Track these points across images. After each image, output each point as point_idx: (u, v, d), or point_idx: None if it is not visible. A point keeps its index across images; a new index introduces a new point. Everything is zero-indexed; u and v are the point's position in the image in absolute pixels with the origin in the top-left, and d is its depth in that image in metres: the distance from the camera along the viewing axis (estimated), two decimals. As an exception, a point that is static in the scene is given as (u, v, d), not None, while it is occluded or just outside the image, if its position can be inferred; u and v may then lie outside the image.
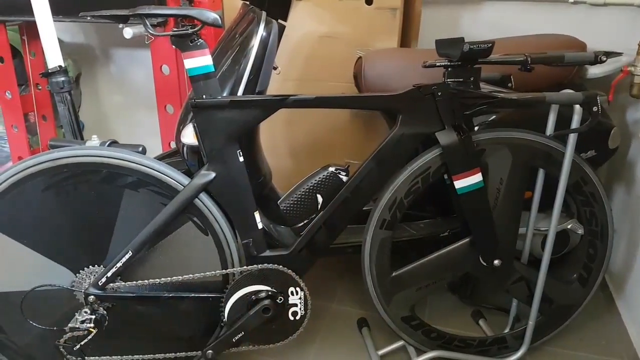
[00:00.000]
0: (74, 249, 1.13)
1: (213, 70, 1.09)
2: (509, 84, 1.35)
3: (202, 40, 1.06)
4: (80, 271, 1.14)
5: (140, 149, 1.16)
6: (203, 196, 1.13)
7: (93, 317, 1.09)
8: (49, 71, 1.35)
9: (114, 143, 1.18)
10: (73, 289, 1.12)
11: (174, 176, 1.12)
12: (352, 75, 1.58)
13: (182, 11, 1.03)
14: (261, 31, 1.22)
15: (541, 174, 1.25)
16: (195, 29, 1.04)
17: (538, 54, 1.13)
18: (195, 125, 1.11)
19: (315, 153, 1.75)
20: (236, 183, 1.14)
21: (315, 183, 1.16)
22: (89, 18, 1.49)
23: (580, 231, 1.45)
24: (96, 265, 1.14)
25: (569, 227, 1.44)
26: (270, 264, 1.17)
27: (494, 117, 1.36)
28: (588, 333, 1.44)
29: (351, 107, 1.13)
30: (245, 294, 1.17)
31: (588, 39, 1.52)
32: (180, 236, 1.15)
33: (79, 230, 1.12)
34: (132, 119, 2.12)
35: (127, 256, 1.10)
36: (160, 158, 1.35)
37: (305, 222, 1.18)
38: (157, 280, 1.13)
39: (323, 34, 1.62)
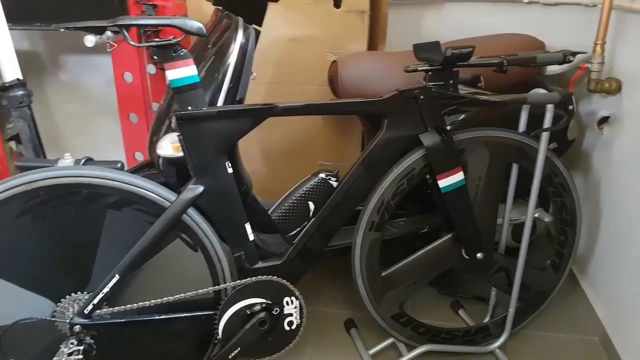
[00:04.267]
0: (53, 276, 1.06)
1: (198, 80, 1.05)
2: (479, 84, 1.40)
3: (185, 50, 1.02)
4: (62, 300, 1.07)
5: (119, 165, 1.10)
6: (191, 211, 1.10)
7: (81, 347, 1.03)
8: (6, 85, 1.25)
9: (89, 161, 1.11)
10: (55, 319, 1.05)
11: (159, 192, 1.07)
12: (327, 78, 1.58)
13: (164, 21, 0.98)
14: (240, 38, 1.19)
15: (515, 168, 1.31)
16: (179, 38, 1.00)
17: (512, 55, 1.18)
18: (181, 138, 1.07)
19: (289, 156, 1.74)
20: (226, 196, 1.11)
21: (306, 190, 1.16)
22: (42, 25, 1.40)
23: (547, 219, 1.54)
24: (79, 292, 1.08)
25: (536, 215, 1.52)
26: (264, 276, 1.15)
27: (463, 116, 1.40)
28: (559, 314, 1.53)
29: (339, 113, 1.14)
30: (240, 308, 1.15)
31: (545, 37, 1.60)
32: (169, 254, 1.11)
33: (59, 257, 1.05)
34: (88, 129, 2.00)
35: (114, 280, 1.04)
36: (132, 172, 1.29)
37: (297, 230, 1.17)
38: (147, 302, 1.09)
39: (293, 37, 1.61)
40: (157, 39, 0.99)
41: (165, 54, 1.01)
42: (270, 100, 1.18)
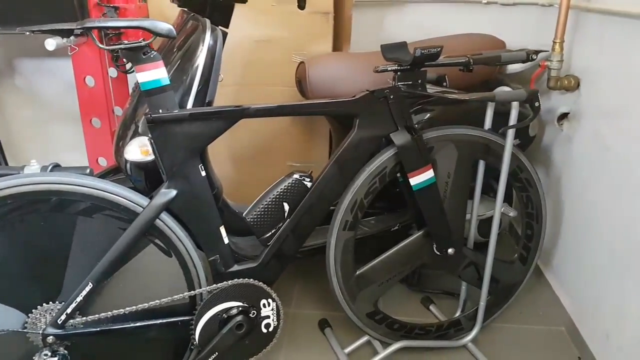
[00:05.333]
0: (23, 287, 1.02)
1: (168, 83, 1.03)
2: (444, 83, 1.44)
3: (155, 52, 1.01)
4: (33, 310, 1.03)
5: (88, 171, 1.07)
6: (164, 216, 1.08)
7: (55, 358, 0.99)
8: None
9: (56, 167, 1.07)
10: (27, 331, 1.01)
11: (131, 197, 1.05)
12: (294, 79, 1.59)
13: (134, 22, 0.96)
14: (208, 39, 1.18)
15: (482, 165, 1.35)
16: (148, 40, 0.98)
17: (478, 55, 1.22)
18: (152, 141, 1.05)
19: (257, 158, 1.73)
20: (199, 199, 1.10)
21: (280, 191, 1.16)
22: None
23: (512, 214, 1.59)
24: (51, 302, 1.04)
25: (502, 210, 1.57)
26: (240, 279, 1.14)
27: (429, 115, 1.44)
28: (525, 306, 1.59)
29: (312, 113, 1.14)
30: (216, 312, 1.13)
31: (504, 37, 1.66)
32: (142, 261, 1.09)
33: (28, 266, 1.01)
34: (47, 135, 1.93)
35: (87, 288, 1.01)
36: (99, 177, 1.26)
37: (273, 231, 1.17)
38: (121, 310, 1.06)
39: (258, 39, 1.60)
40: (125, 42, 0.97)
41: (135, 56, 1.00)
42: (237, 102, 1.18)
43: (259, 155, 1.74)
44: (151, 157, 1.23)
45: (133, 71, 1.64)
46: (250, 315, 1.16)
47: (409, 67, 1.17)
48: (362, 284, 1.31)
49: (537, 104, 1.09)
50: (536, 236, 1.42)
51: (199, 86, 1.17)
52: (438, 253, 1.34)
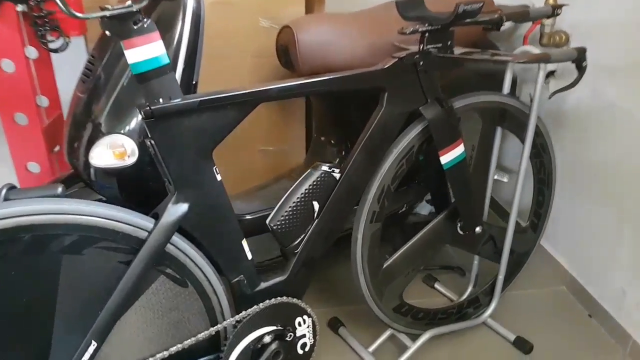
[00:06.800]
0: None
1: (168, 62, 0.77)
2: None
3: (149, 20, 0.73)
4: (11, 393, 0.74)
5: (59, 189, 0.78)
6: (175, 237, 0.83)
7: None
8: None
9: (12, 189, 0.77)
10: None
11: (131, 220, 0.79)
12: (265, 47, 1.35)
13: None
14: (191, 2, 0.92)
15: (499, 132, 1.24)
16: (140, 4, 0.71)
17: (509, 11, 1.09)
18: (152, 142, 0.79)
19: (224, 142, 1.48)
20: (217, 210, 0.86)
21: (309, 189, 0.95)
22: None
23: (505, 179, 1.53)
24: (34, 377, 0.76)
25: (495, 177, 1.50)
26: (272, 299, 0.93)
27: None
28: (526, 271, 1.55)
29: (337, 89, 0.94)
30: (248, 344, 0.92)
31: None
32: (151, 299, 0.84)
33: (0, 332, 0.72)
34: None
35: (90, 349, 0.75)
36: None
37: (302, 236, 0.97)
38: (133, 366, 0.81)
39: (217, 0, 1.33)
40: (110, 7, 0.69)
41: (122, 27, 0.72)
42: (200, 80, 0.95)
43: (227, 140, 1.49)
44: (130, 160, 0.96)
45: (65, 48, 1.29)
46: (287, 338, 0.96)
47: (438, 27, 1.00)
48: (389, 277, 1.17)
49: (584, 63, 1.00)
50: (547, 202, 1.37)
51: (184, 65, 0.93)
52: (462, 233, 1.23)
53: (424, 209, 1.63)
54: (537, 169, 1.32)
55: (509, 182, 1.62)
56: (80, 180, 1.07)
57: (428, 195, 1.50)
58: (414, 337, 1.26)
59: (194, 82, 0.98)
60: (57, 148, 1.41)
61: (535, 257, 1.58)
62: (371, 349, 1.27)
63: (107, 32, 0.73)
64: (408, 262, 1.20)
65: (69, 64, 1.45)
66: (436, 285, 1.51)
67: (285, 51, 1.25)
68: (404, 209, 1.37)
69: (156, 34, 0.75)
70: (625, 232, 1.28)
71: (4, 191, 0.75)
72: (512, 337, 1.30)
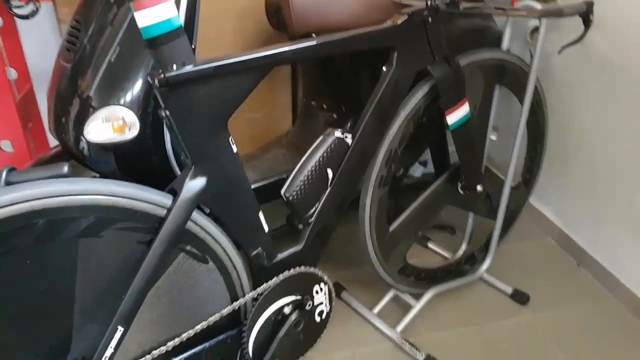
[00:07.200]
0: (11, 355, 0.68)
1: (180, 25, 0.71)
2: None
3: (159, -22, 0.66)
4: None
5: (65, 169, 0.72)
6: (194, 213, 0.79)
7: None
8: None
9: (12, 171, 0.70)
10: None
11: (150, 198, 0.74)
12: (265, 8, 1.26)
13: None
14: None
15: (497, 90, 1.24)
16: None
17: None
18: (167, 113, 0.73)
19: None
20: (234, 182, 0.82)
21: (323, 156, 0.92)
22: None
23: (494, 137, 1.55)
24: (56, 368, 0.72)
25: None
26: (291, 270, 0.91)
27: None
28: (514, 225, 1.60)
29: (351, 49, 0.89)
30: (269, 316, 0.91)
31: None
32: (173, 278, 0.80)
33: (16, 324, 0.67)
34: None
35: (117, 335, 0.71)
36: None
37: (316, 205, 0.94)
38: (162, 349, 0.78)
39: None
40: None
41: (130, -14, 0.65)
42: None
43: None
44: (130, 134, 0.90)
45: (35, 14, 1.17)
46: (306, 307, 0.95)
47: (447, -20, 0.97)
48: (395, 240, 1.17)
49: (591, 16, 1.00)
50: (539, 157, 1.39)
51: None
52: (462, 192, 1.24)
53: (417, 171, 1.63)
54: (532, 125, 1.33)
55: (497, 140, 1.64)
56: (71, 157, 1.00)
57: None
58: (417, 297, 1.29)
59: (193, 47, 0.92)
60: (30, 124, 1.31)
61: (524, 212, 1.62)
62: (376, 310, 1.28)
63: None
64: (413, 225, 1.20)
65: (37, 33, 1.33)
66: (429, 245, 1.53)
67: (277, 10, 1.19)
68: (401, 172, 1.37)
69: (167, -7, 0.68)
70: (617, 186, 1.32)
71: (4, 174, 0.68)
72: (509, 290, 1.35)
